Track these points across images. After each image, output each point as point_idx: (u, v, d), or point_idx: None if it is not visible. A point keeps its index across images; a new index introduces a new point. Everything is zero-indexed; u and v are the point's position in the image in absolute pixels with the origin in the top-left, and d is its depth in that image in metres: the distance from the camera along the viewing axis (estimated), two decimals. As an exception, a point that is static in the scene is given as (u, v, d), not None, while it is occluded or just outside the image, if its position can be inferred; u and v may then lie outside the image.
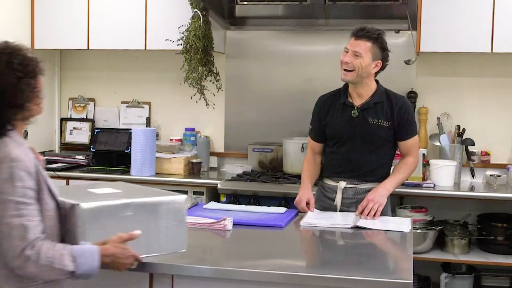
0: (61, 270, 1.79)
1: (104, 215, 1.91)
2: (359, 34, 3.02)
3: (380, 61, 3.05)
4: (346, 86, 3.16)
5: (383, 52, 3.06)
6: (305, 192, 3.12)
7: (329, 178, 3.19)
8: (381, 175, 3.13)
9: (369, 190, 3.03)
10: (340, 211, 3.08)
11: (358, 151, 3.10)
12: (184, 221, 2.09)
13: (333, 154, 3.19)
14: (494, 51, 3.87)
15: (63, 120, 4.90)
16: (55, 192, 1.93)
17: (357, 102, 3.11)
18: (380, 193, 2.99)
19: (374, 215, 2.91)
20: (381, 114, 3.08)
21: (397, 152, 3.24)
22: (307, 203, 3.06)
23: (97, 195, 2.05)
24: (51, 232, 1.89)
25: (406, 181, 3.87)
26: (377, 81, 3.15)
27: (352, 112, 3.09)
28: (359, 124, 3.08)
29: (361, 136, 3.09)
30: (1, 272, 1.84)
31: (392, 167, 3.25)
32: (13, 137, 1.86)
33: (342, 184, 3.10)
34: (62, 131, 4.89)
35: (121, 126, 4.77)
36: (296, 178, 3.92)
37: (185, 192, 4.11)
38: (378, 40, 3.03)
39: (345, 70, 3.04)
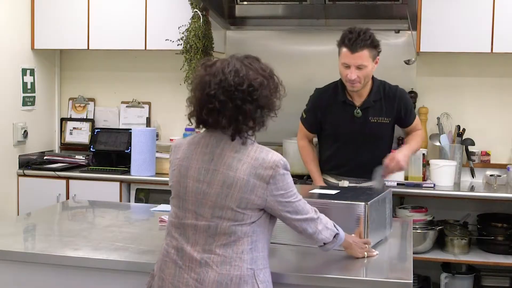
0: (332, 230, 2.13)
1: (372, 208, 2.39)
2: (355, 47, 2.89)
3: (377, 57, 3.00)
4: (342, 83, 3.10)
5: (377, 48, 2.98)
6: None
7: (329, 175, 3.19)
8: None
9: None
10: None
11: (359, 150, 3.12)
12: (391, 208, 2.65)
13: (333, 152, 3.19)
14: (494, 51, 3.87)
15: (63, 120, 4.89)
16: None
17: (357, 100, 3.10)
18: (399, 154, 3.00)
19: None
20: (381, 111, 3.09)
21: None
22: None
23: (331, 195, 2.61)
24: None
25: (406, 181, 3.90)
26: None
27: (355, 111, 3.09)
28: (361, 123, 3.09)
29: (362, 135, 3.10)
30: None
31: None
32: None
33: (346, 183, 3.11)
34: (62, 131, 4.89)
35: (121, 126, 4.77)
36: (296, 178, 3.91)
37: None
38: (373, 43, 2.93)
39: (351, 82, 2.98)
